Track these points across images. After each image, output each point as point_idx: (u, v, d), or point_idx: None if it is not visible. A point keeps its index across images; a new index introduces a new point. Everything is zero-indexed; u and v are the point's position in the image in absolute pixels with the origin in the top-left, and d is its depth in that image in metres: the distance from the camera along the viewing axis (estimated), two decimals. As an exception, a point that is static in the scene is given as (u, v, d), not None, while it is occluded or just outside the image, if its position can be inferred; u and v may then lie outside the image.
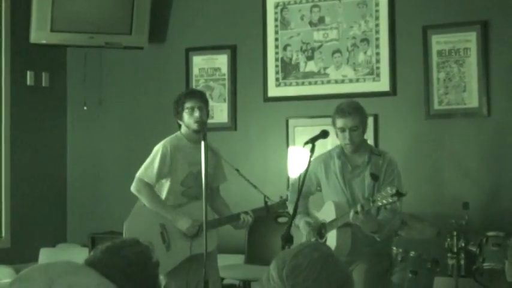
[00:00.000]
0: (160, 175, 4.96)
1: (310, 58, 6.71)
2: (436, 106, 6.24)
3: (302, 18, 6.74)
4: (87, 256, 2.58)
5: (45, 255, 6.83)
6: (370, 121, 5.84)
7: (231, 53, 6.98)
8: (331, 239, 4.62)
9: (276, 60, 6.81)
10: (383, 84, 6.42)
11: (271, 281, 2.05)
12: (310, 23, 6.72)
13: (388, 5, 6.40)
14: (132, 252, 2.54)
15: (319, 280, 2.02)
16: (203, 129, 4.77)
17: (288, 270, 2.03)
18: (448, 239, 5.46)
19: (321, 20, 6.68)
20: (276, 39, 6.82)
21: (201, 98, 5.04)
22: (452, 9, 6.24)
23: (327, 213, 4.71)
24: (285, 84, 6.78)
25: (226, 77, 7.00)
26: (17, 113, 7.11)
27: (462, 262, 5.45)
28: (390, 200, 4.20)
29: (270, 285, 2.06)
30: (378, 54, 6.45)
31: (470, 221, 5.49)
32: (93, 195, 7.51)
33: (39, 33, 6.88)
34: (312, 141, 4.43)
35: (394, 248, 5.24)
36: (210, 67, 7.07)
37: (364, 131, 4.76)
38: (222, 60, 7.02)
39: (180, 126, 5.13)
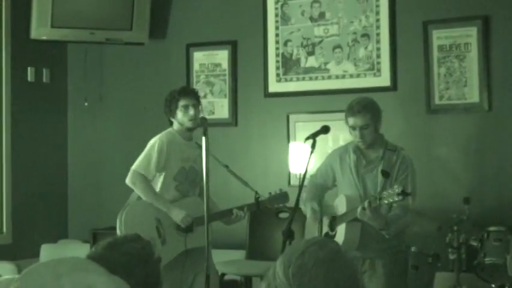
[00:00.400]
0: (158, 167, 4.99)
1: (310, 53, 6.70)
2: (436, 101, 6.24)
3: (303, 14, 6.74)
4: (88, 252, 2.58)
5: (47, 251, 6.83)
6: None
7: (232, 49, 6.98)
8: (340, 232, 4.63)
9: (277, 55, 6.81)
10: (384, 79, 6.42)
11: (277, 279, 2.05)
12: (311, 19, 6.72)
13: (389, 0, 6.39)
14: (133, 247, 2.54)
15: (326, 280, 2.01)
16: (203, 124, 4.78)
17: (294, 270, 2.03)
18: (449, 234, 5.46)
19: (322, 15, 6.67)
20: (277, 35, 6.81)
21: (194, 96, 5.10)
22: (453, 4, 6.24)
23: (338, 206, 4.72)
24: (286, 80, 6.78)
25: (226, 72, 7.00)
26: (17, 109, 7.11)
27: (463, 257, 5.44)
28: (396, 199, 4.19)
29: (275, 283, 2.05)
30: (378, 49, 6.44)
31: (472, 216, 5.49)
32: (94, 191, 7.52)
33: (39, 29, 6.88)
34: (313, 136, 4.43)
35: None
36: (210, 63, 7.07)
37: (376, 128, 4.69)
38: (222, 56, 7.02)
39: (171, 123, 5.15)
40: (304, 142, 4.48)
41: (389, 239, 4.56)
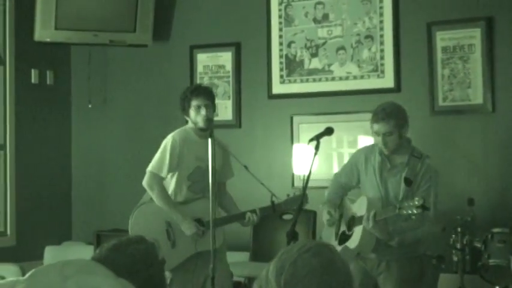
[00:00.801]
0: (171, 167, 4.94)
1: (314, 55, 6.70)
2: (440, 102, 6.23)
3: (306, 15, 6.74)
4: (92, 254, 2.58)
5: (50, 253, 6.84)
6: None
7: (235, 50, 6.98)
8: (357, 234, 4.62)
9: (280, 57, 6.81)
10: (387, 80, 6.41)
11: (269, 285, 2.03)
12: (315, 20, 6.72)
13: (392, 2, 6.39)
14: (138, 250, 2.54)
15: None
16: (210, 126, 4.77)
17: (286, 278, 2.00)
18: (453, 235, 5.46)
19: (325, 16, 6.67)
20: (280, 36, 6.81)
21: (207, 96, 4.99)
22: (457, 6, 6.23)
23: (359, 207, 4.69)
24: (290, 81, 6.78)
25: (230, 74, 7.00)
26: (21, 111, 7.12)
27: (467, 258, 5.44)
28: (415, 211, 4.19)
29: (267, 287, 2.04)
30: (382, 50, 6.44)
31: (476, 217, 5.48)
32: (98, 192, 7.52)
33: (43, 31, 6.89)
34: (317, 138, 4.42)
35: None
36: (214, 64, 7.07)
37: (401, 135, 4.62)
38: (226, 58, 7.02)
39: (187, 121, 5.12)
40: (308, 144, 4.47)
41: (404, 245, 4.55)
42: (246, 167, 5.07)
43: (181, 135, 5.01)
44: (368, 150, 4.84)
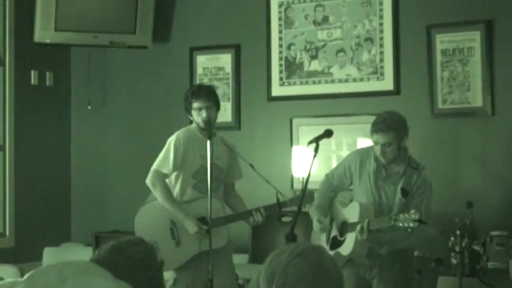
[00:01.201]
0: (175, 165, 4.91)
1: (314, 57, 6.71)
2: (440, 105, 6.24)
3: (306, 18, 6.74)
4: (91, 255, 2.58)
5: (49, 254, 6.83)
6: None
7: (235, 52, 6.98)
8: (350, 241, 4.60)
9: (280, 59, 6.81)
10: (387, 83, 6.41)
11: None
12: (314, 22, 6.72)
13: (392, 4, 6.39)
14: (137, 252, 2.53)
15: None
16: (209, 127, 4.76)
17: (278, 286, 2.00)
18: (452, 238, 5.45)
19: (325, 19, 6.68)
20: (280, 39, 6.82)
21: (207, 97, 4.96)
22: (456, 9, 6.24)
23: (351, 212, 4.67)
24: (289, 84, 6.78)
25: (230, 76, 7.01)
26: (21, 112, 7.12)
27: (466, 261, 5.44)
28: (411, 225, 4.19)
29: None
30: (381, 53, 6.45)
31: (475, 220, 5.48)
32: (97, 194, 7.52)
33: (43, 33, 6.89)
34: (316, 140, 4.42)
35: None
36: (214, 66, 7.07)
37: (399, 146, 4.60)
38: (226, 60, 7.02)
39: (191, 121, 5.11)
40: (307, 146, 4.47)
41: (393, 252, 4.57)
42: (251, 165, 5.05)
43: (186, 134, 5.00)
44: (363, 154, 4.80)
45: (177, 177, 4.99)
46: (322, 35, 6.69)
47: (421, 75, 6.30)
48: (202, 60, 7.11)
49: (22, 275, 3.09)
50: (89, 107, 7.44)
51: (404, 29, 6.39)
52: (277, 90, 6.82)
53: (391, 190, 4.61)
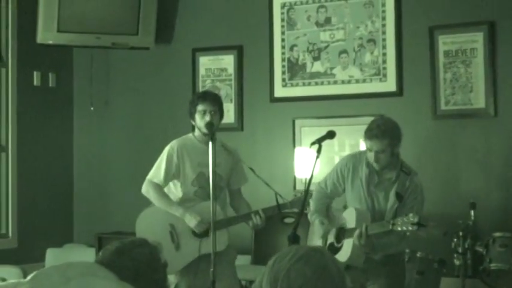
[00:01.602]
0: (168, 175, 4.96)
1: (316, 58, 6.70)
2: (442, 106, 6.23)
3: (308, 19, 6.74)
4: (93, 256, 2.58)
5: (52, 255, 6.84)
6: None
7: (238, 54, 6.98)
8: (347, 246, 4.57)
9: (283, 60, 6.81)
10: (389, 84, 6.41)
11: None
12: (317, 24, 6.72)
13: (395, 6, 6.39)
14: (141, 253, 2.54)
15: None
16: (211, 131, 4.77)
17: None
18: (455, 239, 5.45)
19: (328, 20, 6.68)
20: (283, 40, 6.82)
21: (213, 102, 4.98)
22: (459, 10, 6.24)
23: (347, 218, 4.64)
24: (292, 85, 6.78)
25: (232, 77, 7.01)
26: (23, 113, 7.13)
27: (469, 262, 5.44)
28: (410, 228, 4.17)
29: None
30: (384, 54, 6.44)
31: (477, 222, 5.48)
32: (99, 195, 7.53)
33: (46, 34, 6.89)
34: (319, 141, 4.41)
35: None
36: (216, 67, 7.07)
37: (393, 153, 4.55)
38: (228, 61, 7.02)
39: (193, 128, 5.13)
40: (310, 147, 4.46)
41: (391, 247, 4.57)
42: (252, 169, 5.06)
43: (180, 143, 5.03)
44: (355, 159, 4.74)
45: (176, 186, 5.01)
46: (324, 36, 6.69)
47: (424, 77, 6.30)
48: (204, 62, 7.11)
49: (25, 276, 3.10)
50: (92, 108, 7.44)
51: (407, 30, 6.39)
52: (279, 92, 6.82)
53: (382, 196, 4.58)
